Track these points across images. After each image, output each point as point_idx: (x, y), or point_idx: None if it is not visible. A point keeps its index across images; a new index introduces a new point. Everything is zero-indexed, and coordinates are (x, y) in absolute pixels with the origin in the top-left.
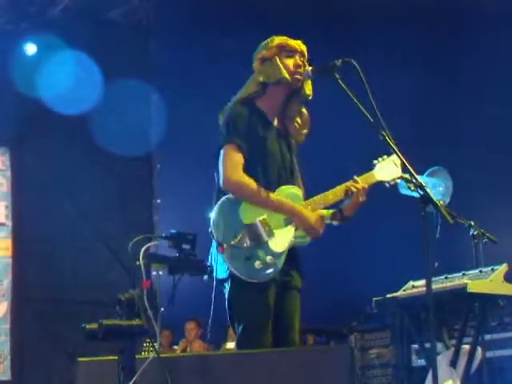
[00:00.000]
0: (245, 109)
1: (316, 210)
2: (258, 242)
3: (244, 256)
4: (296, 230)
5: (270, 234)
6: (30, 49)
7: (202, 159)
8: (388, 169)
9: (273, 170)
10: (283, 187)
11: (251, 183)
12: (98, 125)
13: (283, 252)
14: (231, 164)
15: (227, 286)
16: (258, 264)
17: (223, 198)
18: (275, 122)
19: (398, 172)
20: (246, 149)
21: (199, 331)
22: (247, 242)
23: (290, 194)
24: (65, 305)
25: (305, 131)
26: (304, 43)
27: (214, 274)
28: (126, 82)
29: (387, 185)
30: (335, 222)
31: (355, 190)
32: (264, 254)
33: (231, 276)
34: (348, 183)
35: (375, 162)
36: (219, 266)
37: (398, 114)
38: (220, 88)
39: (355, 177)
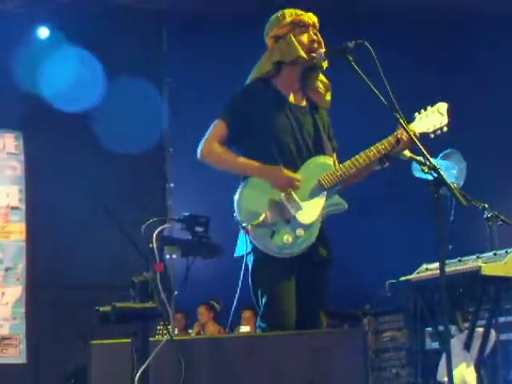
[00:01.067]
0: (256, 87)
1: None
2: (285, 217)
3: (270, 233)
4: (327, 199)
5: (297, 208)
6: (43, 32)
7: None
8: (430, 118)
9: (290, 146)
10: (313, 158)
11: (218, 150)
12: (110, 111)
13: (313, 223)
14: (208, 136)
15: (250, 259)
16: (286, 238)
17: (245, 179)
18: (292, 98)
19: (444, 120)
20: (239, 128)
21: (211, 314)
22: (271, 219)
23: (318, 163)
24: (79, 289)
25: (328, 96)
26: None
27: (241, 252)
28: (139, 67)
29: (432, 135)
30: (380, 167)
31: (405, 138)
32: (292, 227)
33: (254, 249)
34: (390, 138)
35: (416, 114)
36: (243, 242)
37: (412, 96)
38: (232, 72)
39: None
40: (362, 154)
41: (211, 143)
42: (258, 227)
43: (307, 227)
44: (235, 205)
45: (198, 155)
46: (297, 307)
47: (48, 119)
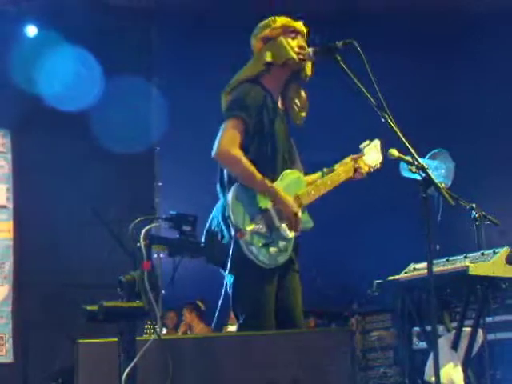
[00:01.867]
0: (255, 87)
1: (312, 198)
2: (271, 228)
3: (262, 242)
4: (302, 214)
5: (283, 220)
6: (31, 30)
7: (203, 142)
8: (373, 154)
9: (281, 152)
10: (287, 172)
11: (245, 160)
12: (98, 111)
13: (293, 238)
14: (230, 136)
15: (231, 274)
16: (272, 250)
17: (237, 183)
18: (279, 103)
19: (380, 157)
20: (253, 127)
21: (195, 315)
22: (264, 228)
23: (294, 178)
24: (67, 288)
25: (303, 114)
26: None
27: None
28: (127, 66)
29: (371, 170)
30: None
31: (363, 172)
32: (277, 239)
33: (236, 264)
34: (350, 163)
35: (361, 146)
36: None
37: (398, 97)
38: (222, 72)
39: (356, 158)
40: (330, 175)
41: (232, 147)
42: (253, 233)
43: (288, 241)
44: (230, 206)
45: (216, 154)
46: (277, 311)
47: (36, 118)
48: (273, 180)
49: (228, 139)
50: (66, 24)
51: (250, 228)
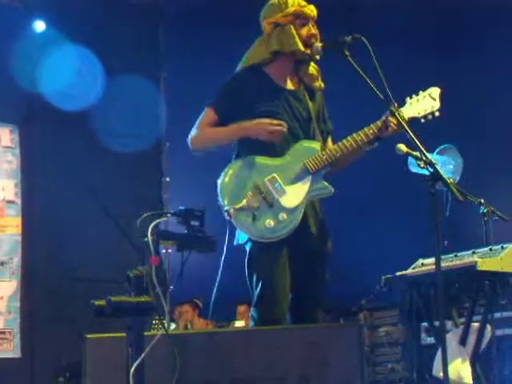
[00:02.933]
0: (250, 75)
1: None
2: (268, 202)
3: (251, 217)
4: (312, 183)
5: (281, 192)
6: (39, 26)
7: None
8: (422, 103)
9: (285, 134)
10: (300, 142)
11: (204, 129)
12: (106, 106)
13: (297, 207)
14: (196, 125)
15: (247, 247)
16: (268, 222)
17: (229, 164)
18: (285, 84)
19: (436, 104)
20: (229, 115)
21: (196, 311)
22: (255, 203)
23: (304, 148)
24: (75, 283)
25: (317, 84)
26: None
27: (239, 241)
28: (135, 61)
29: (422, 120)
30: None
31: (393, 125)
32: (275, 211)
33: (249, 239)
34: (378, 122)
35: (407, 99)
36: (238, 231)
37: (407, 92)
38: (229, 65)
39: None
40: (349, 138)
41: (198, 130)
42: (240, 211)
43: (291, 211)
44: (218, 189)
45: (189, 145)
46: (292, 299)
47: (44, 113)
48: (280, 154)
49: (195, 128)
50: (73, 20)
51: (237, 207)
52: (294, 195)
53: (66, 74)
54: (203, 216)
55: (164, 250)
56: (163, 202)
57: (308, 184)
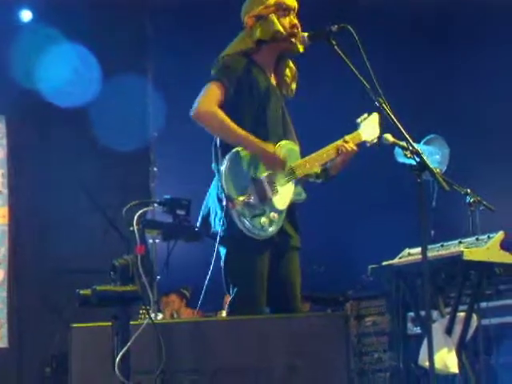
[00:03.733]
0: (244, 60)
1: (311, 168)
2: (263, 199)
3: (253, 213)
4: (295, 188)
5: (274, 191)
6: (26, 15)
7: (200, 128)
8: (370, 128)
9: (273, 125)
10: (283, 142)
11: (222, 115)
12: (94, 97)
13: (284, 209)
14: (208, 96)
15: (224, 246)
16: (263, 221)
17: (233, 150)
18: (272, 78)
19: (378, 131)
20: (233, 96)
21: (183, 302)
22: (255, 199)
23: (289, 149)
24: (62, 273)
25: (294, 85)
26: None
27: (218, 234)
28: (122, 52)
29: (368, 145)
30: (318, 181)
31: (346, 150)
32: (269, 210)
33: (229, 236)
34: (339, 142)
35: (358, 120)
36: (218, 223)
37: (394, 82)
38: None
39: (346, 136)
40: (322, 150)
41: (211, 104)
42: (244, 204)
43: (280, 212)
44: (223, 176)
45: (194, 114)
46: (270, 297)
47: (31, 105)
48: None
49: (206, 98)
50: (60, 16)
51: (241, 198)
52: (284, 197)
53: (54, 71)
54: (189, 205)
55: (151, 240)
56: (150, 192)
57: (292, 188)
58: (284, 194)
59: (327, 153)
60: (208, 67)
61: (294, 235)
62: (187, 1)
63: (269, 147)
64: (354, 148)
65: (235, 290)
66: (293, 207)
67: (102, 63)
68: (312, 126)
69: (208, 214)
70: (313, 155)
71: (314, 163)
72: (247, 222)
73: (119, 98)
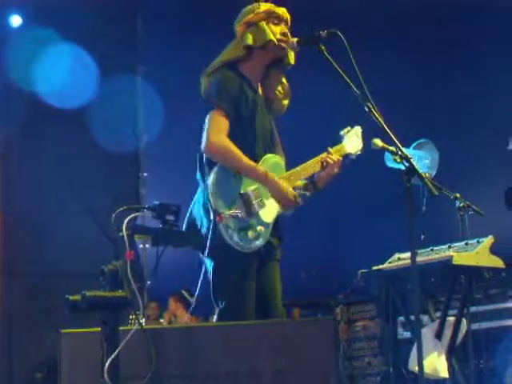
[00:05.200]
0: (233, 73)
1: (295, 181)
2: (251, 213)
3: (240, 226)
4: None
5: (261, 205)
6: (16, 20)
7: (190, 133)
8: (353, 140)
9: (260, 139)
10: (268, 156)
11: (231, 146)
12: (84, 99)
13: (271, 222)
14: (216, 128)
15: (211, 260)
16: (251, 234)
17: (215, 167)
18: (259, 90)
19: (361, 145)
20: (234, 114)
21: (180, 305)
22: (242, 212)
23: (274, 163)
24: (52, 278)
25: (286, 102)
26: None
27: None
28: (113, 54)
29: (352, 157)
30: (308, 193)
31: (331, 162)
32: (256, 224)
33: (216, 247)
34: (324, 155)
35: (342, 133)
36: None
37: (385, 88)
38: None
39: (329, 148)
40: (308, 163)
41: (220, 137)
42: (231, 217)
43: (266, 225)
44: (210, 189)
45: (207, 150)
46: (257, 303)
47: (20, 108)
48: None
49: (215, 131)
50: (49, 12)
51: (229, 212)
52: (270, 211)
53: (51, 71)
54: (179, 211)
55: (141, 245)
56: (140, 197)
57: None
58: (270, 208)
59: (312, 166)
60: (200, 71)
61: (277, 246)
62: (179, 1)
63: (279, 180)
64: (339, 159)
65: (224, 303)
66: (277, 218)
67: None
68: (298, 138)
69: (193, 223)
70: (297, 168)
71: (298, 176)
72: (235, 236)
73: (109, 103)
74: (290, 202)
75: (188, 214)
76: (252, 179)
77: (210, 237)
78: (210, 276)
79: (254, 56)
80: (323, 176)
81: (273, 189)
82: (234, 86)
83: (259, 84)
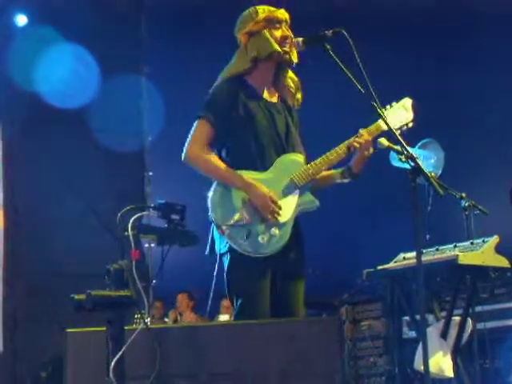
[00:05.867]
0: (233, 85)
1: (317, 173)
2: (259, 217)
3: (245, 233)
4: (300, 197)
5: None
6: (21, 20)
7: None
8: (397, 115)
9: (267, 143)
10: (284, 155)
11: (207, 157)
12: (89, 107)
13: (287, 221)
14: (193, 139)
15: (226, 260)
16: (261, 238)
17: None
18: (265, 95)
19: (410, 116)
20: (224, 126)
21: (190, 303)
22: (247, 219)
23: (289, 161)
24: (57, 278)
25: (299, 95)
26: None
27: (217, 250)
28: (116, 54)
29: (398, 131)
30: (345, 180)
31: (358, 145)
32: (267, 226)
33: (230, 250)
34: (351, 139)
35: (382, 110)
36: (218, 240)
37: (390, 88)
38: (212, 62)
39: (360, 130)
40: (332, 151)
41: (197, 147)
42: (233, 227)
43: (281, 226)
44: (209, 203)
45: (184, 158)
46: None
47: (25, 105)
48: (265, 169)
49: (192, 141)
50: (53, 13)
51: (230, 223)
52: (284, 210)
53: (54, 70)
54: (184, 210)
55: (147, 245)
56: (145, 197)
57: (296, 198)
58: (284, 207)
59: (336, 153)
60: (204, 71)
61: (297, 261)
62: (183, 2)
63: (257, 188)
64: (368, 140)
65: (238, 302)
66: (298, 232)
67: (98, 66)
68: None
69: (214, 234)
70: (318, 159)
71: (319, 167)
72: (243, 244)
73: (114, 102)
74: (267, 208)
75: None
76: (232, 185)
77: (222, 243)
78: (225, 273)
79: (259, 66)
80: (356, 160)
81: (252, 193)
82: (225, 94)
83: (269, 89)
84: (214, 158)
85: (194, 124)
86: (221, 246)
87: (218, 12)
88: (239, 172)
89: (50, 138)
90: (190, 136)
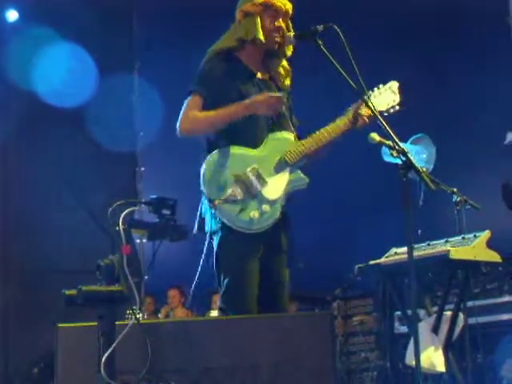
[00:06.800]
0: (223, 60)
1: (302, 154)
2: (251, 193)
3: (237, 209)
4: (290, 175)
5: (263, 183)
6: (12, 15)
7: None
8: (383, 97)
9: (259, 120)
10: (273, 134)
11: (200, 114)
12: (81, 105)
13: (278, 199)
14: (185, 111)
15: (216, 238)
16: (253, 214)
17: (212, 152)
18: (259, 74)
19: (397, 98)
20: (217, 101)
21: (182, 298)
22: (239, 194)
23: (280, 138)
24: (50, 274)
25: (288, 82)
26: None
27: (208, 229)
28: (108, 49)
29: (385, 114)
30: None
31: (367, 119)
32: (259, 203)
33: (222, 227)
34: (348, 113)
35: (369, 93)
36: (209, 219)
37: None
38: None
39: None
40: (322, 130)
41: (188, 114)
42: (226, 202)
43: (272, 203)
44: (202, 178)
45: (179, 131)
46: (259, 295)
47: (18, 107)
48: (254, 146)
49: (183, 114)
50: (45, 9)
51: (223, 198)
52: (275, 187)
53: (38, 61)
54: (175, 205)
55: (138, 240)
56: (138, 192)
57: (287, 176)
58: (275, 184)
59: (327, 132)
60: (197, 67)
61: (284, 240)
62: (176, 2)
63: (257, 98)
64: (369, 112)
65: (226, 280)
66: (287, 216)
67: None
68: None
69: (203, 213)
70: (308, 138)
71: (309, 146)
72: (236, 220)
73: (106, 99)
74: (276, 102)
75: (200, 205)
76: (235, 116)
77: (214, 219)
78: (214, 255)
79: (246, 47)
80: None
81: (255, 105)
82: (216, 68)
83: (258, 68)
84: (204, 112)
85: (186, 100)
86: (212, 223)
87: (209, 8)
88: (231, 147)
89: (43, 135)
90: (182, 111)
